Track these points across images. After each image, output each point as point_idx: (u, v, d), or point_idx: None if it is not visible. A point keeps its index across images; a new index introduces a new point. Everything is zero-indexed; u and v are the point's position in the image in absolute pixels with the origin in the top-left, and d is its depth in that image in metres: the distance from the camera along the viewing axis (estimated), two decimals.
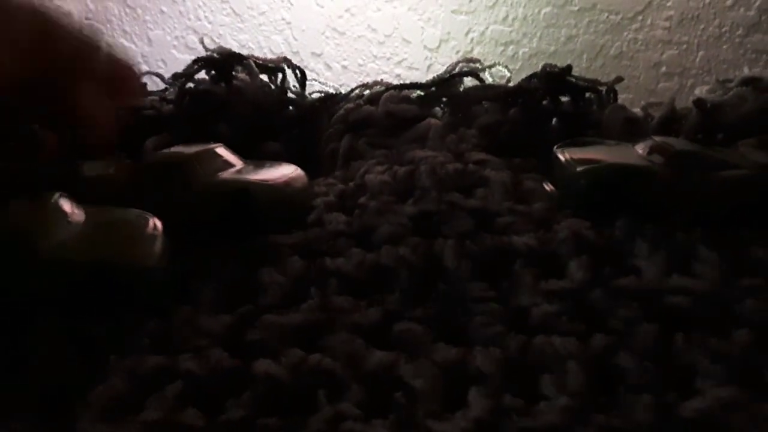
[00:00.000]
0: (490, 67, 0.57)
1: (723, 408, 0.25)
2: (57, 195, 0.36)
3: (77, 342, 0.31)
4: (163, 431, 0.26)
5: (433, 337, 0.32)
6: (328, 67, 1.18)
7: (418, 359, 0.29)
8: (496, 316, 0.32)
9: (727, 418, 0.25)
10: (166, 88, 0.64)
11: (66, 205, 0.37)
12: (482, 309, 0.33)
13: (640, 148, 0.42)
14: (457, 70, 0.58)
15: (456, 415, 0.26)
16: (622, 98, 0.58)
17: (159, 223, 0.37)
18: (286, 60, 0.63)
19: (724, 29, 0.93)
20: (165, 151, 0.47)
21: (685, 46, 0.95)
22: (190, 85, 0.58)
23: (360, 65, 1.16)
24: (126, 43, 1.27)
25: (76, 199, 0.38)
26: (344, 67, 1.18)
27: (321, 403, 0.27)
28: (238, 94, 0.58)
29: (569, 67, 0.56)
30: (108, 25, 1.26)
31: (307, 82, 0.64)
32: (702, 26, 0.94)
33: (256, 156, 0.49)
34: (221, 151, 0.46)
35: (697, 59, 0.94)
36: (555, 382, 0.28)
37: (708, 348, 0.29)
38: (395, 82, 0.58)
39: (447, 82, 0.56)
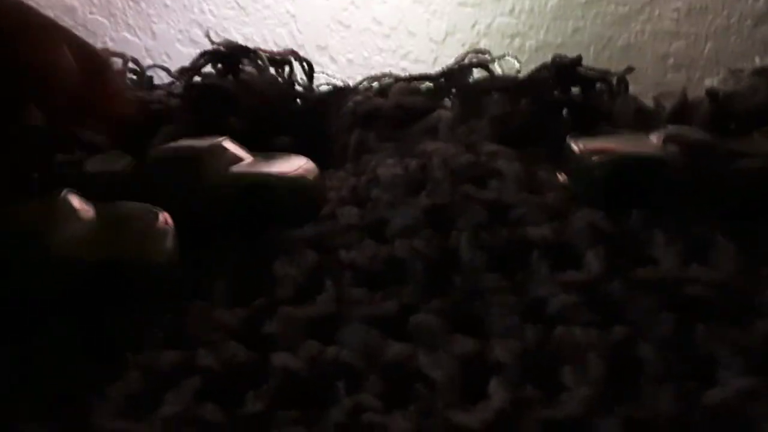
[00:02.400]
0: (499, 58, 0.57)
1: (743, 398, 0.25)
2: (65, 191, 0.36)
3: (91, 339, 0.31)
4: (182, 426, 0.26)
5: (450, 328, 0.31)
6: (333, 60, 1.17)
7: (436, 351, 0.29)
8: (512, 307, 0.32)
9: (747, 407, 0.25)
10: (172, 82, 0.64)
11: (75, 201, 0.37)
12: (499, 300, 0.33)
13: (655, 138, 0.41)
14: (466, 61, 0.57)
15: (477, 406, 0.26)
16: (630, 90, 0.58)
17: (169, 218, 0.37)
18: (293, 53, 0.62)
19: (732, 20, 0.92)
20: (173, 144, 0.47)
21: (693, 37, 0.95)
22: (197, 78, 0.58)
23: (365, 58, 1.15)
24: (130, 37, 1.26)
25: (85, 195, 0.38)
26: (349, 60, 1.17)
27: (340, 395, 0.27)
28: (245, 88, 0.57)
29: (579, 58, 0.55)
30: (112, 19, 1.25)
31: (314, 75, 0.64)
32: (710, 17, 0.94)
33: (264, 149, 0.48)
34: (228, 144, 0.46)
35: (706, 51, 0.94)
36: (575, 373, 0.27)
37: (728, 338, 0.29)
38: (401, 74, 0.57)
39: (456, 73, 0.56)
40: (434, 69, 0.61)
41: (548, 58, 0.57)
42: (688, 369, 0.28)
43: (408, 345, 0.30)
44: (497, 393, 0.27)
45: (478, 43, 0.99)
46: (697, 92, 0.54)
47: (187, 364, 0.29)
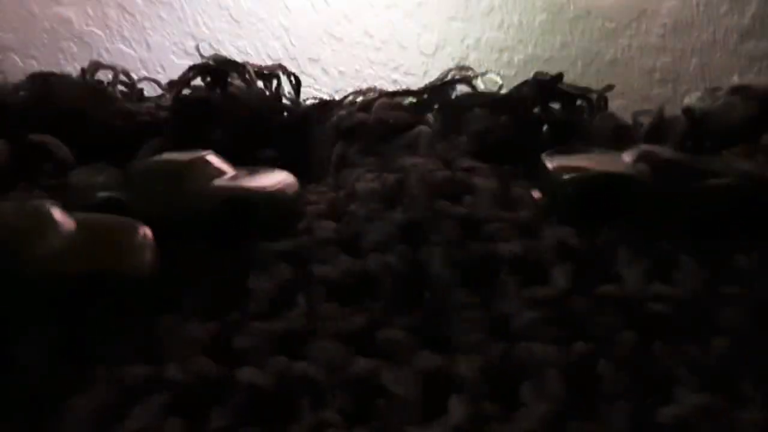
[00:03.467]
0: (482, 74, 0.58)
1: (699, 415, 0.26)
2: (47, 202, 0.36)
3: (64, 350, 0.31)
4: None
5: (417, 344, 0.32)
6: (326, 72, 1.18)
7: (401, 367, 0.30)
8: (479, 323, 0.33)
9: (702, 424, 0.25)
10: (162, 95, 0.65)
11: (56, 213, 0.37)
12: (466, 316, 0.33)
13: (628, 157, 0.42)
14: (449, 77, 0.58)
15: (436, 422, 0.27)
16: (616, 104, 0.59)
17: (149, 232, 0.37)
18: (281, 67, 0.63)
19: (717, 36, 0.93)
20: (156, 158, 0.48)
21: (679, 52, 0.96)
22: (186, 91, 0.59)
23: (357, 71, 1.16)
24: (125, 49, 1.28)
25: (66, 206, 0.38)
26: (341, 72, 1.18)
27: (304, 411, 0.28)
28: (232, 101, 0.58)
29: (560, 75, 0.56)
30: (107, 31, 1.27)
31: (304, 88, 0.65)
32: (696, 33, 0.95)
33: (250, 162, 0.49)
34: (212, 158, 0.46)
35: (691, 66, 0.95)
36: (534, 389, 0.28)
37: (686, 356, 0.29)
38: (392, 87, 0.58)
39: (439, 89, 0.56)
40: (425, 82, 0.62)
41: (535, 71, 0.58)
42: (646, 386, 0.29)
43: (374, 360, 0.31)
44: (456, 409, 0.27)
45: (467, 56, 1.01)
46: (681, 106, 0.55)
47: (156, 378, 0.30)
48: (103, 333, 0.33)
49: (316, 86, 0.70)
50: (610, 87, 0.57)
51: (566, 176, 0.41)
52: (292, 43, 1.21)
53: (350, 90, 0.62)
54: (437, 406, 0.27)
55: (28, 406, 0.28)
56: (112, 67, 0.64)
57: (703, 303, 0.31)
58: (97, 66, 0.65)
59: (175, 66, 1.24)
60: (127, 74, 0.68)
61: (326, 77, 1.19)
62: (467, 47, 1.07)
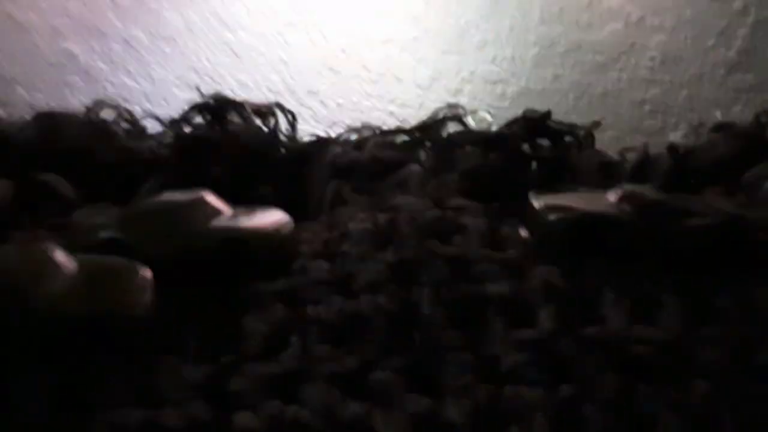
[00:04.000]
0: (473, 112, 0.60)
1: None
2: (48, 245, 0.38)
3: (63, 395, 0.32)
4: None
5: (407, 386, 0.33)
6: (324, 104, 1.21)
7: (391, 410, 0.31)
8: (467, 365, 0.34)
9: None
10: (163, 132, 0.67)
11: (59, 255, 0.38)
12: (455, 358, 0.34)
13: (612, 196, 0.43)
14: (441, 115, 0.60)
15: None
16: (607, 136, 0.60)
17: (149, 273, 0.38)
18: (277, 104, 0.65)
19: (705, 69, 0.96)
20: (155, 198, 0.49)
21: (668, 85, 0.98)
22: (187, 129, 0.60)
23: (354, 102, 1.19)
24: (129, 82, 1.31)
25: (68, 246, 0.39)
26: (339, 104, 1.21)
27: None
28: (231, 139, 0.60)
29: (548, 112, 0.58)
30: (111, 65, 1.30)
31: (303, 119, 0.67)
32: (684, 66, 0.97)
33: (247, 199, 0.50)
34: (209, 197, 0.48)
35: (680, 98, 0.97)
36: None
37: (668, 398, 0.30)
38: (388, 119, 0.60)
39: (430, 127, 0.58)
40: (420, 113, 0.63)
41: (529, 104, 0.60)
42: (630, 429, 0.29)
43: (365, 404, 0.32)
44: None
45: (462, 89, 1.03)
46: (672, 138, 0.56)
47: (153, 423, 0.31)
48: (102, 376, 0.34)
49: (315, 118, 0.71)
50: (597, 123, 0.59)
51: (552, 216, 0.42)
52: (291, 77, 1.24)
53: (348, 122, 0.64)
54: None
55: None
56: (115, 106, 0.65)
57: (684, 344, 0.32)
58: (101, 104, 0.66)
59: (178, 99, 1.26)
60: (129, 112, 0.70)
61: (324, 109, 1.21)
62: (461, 80, 1.09)
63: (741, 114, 0.55)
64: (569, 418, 0.30)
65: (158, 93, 1.34)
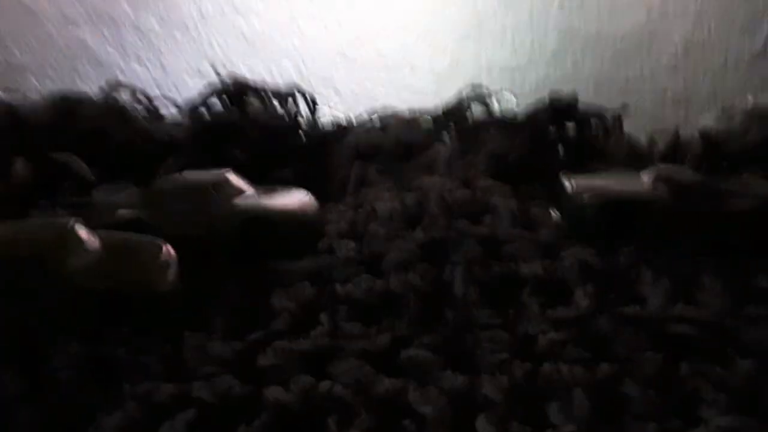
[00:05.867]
0: (497, 94, 0.59)
1: None
2: (73, 221, 0.37)
3: (94, 368, 0.32)
4: None
5: (441, 363, 0.32)
6: (338, 92, 1.20)
7: (427, 386, 0.30)
8: (503, 343, 0.33)
9: None
10: (180, 115, 0.66)
11: (82, 231, 0.38)
12: (489, 336, 0.33)
13: (646, 177, 0.42)
14: (465, 99, 0.59)
15: None
16: (627, 125, 0.59)
17: (172, 250, 0.38)
18: (297, 87, 0.64)
19: (729, 58, 0.94)
20: (177, 177, 0.48)
21: (690, 74, 0.97)
22: (204, 111, 0.60)
23: (369, 90, 1.18)
24: (140, 70, 1.30)
25: (88, 224, 0.39)
26: (353, 92, 1.20)
27: (331, 429, 0.28)
28: (251, 122, 0.59)
29: (575, 96, 0.57)
30: (122, 52, 1.29)
31: (319, 108, 0.66)
32: (707, 55, 0.96)
33: (267, 181, 0.50)
34: (232, 177, 0.47)
35: (703, 88, 0.96)
36: (562, 410, 0.28)
37: (712, 377, 0.29)
38: (403, 107, 0.59)
39: (456, 109, 0.57)
40: (436, 102, 0.62)
41: (547, 92, 0.59)
42: (672, 407, 0.29)
43: (399, 380, 0.31)
44: (485, 429, 0.27)
45: (479, 77, 1.02)
46: (694, 127, 0.55)
47: (183, 396, 0.30)
48: (130, 351, 0.33)
49: (329, 106, 0.71)
50: (624, 107, 0.58)
51: (587, 197, 0.41)
52: (304, 64, 1.23)
53: (362, 110, 0.63)
54: (465, 427, 0.27)
55: (57, 423, 0.28)
56: (130, 87, 0.65)
57: (727, 324, 0.31)
58: (116, 85, 0.66)
59: (189, 86, 1.25)
60: (145, 94, 0.69)
61: (338, 97, 1.20)
62: (479, 68, 1.08)
63: (766, 104, 0.53)
64: (610, 396, 0.29)
65: (169, 80, 1.33)
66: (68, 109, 0.62)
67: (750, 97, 0.60)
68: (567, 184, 0.40)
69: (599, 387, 0.28)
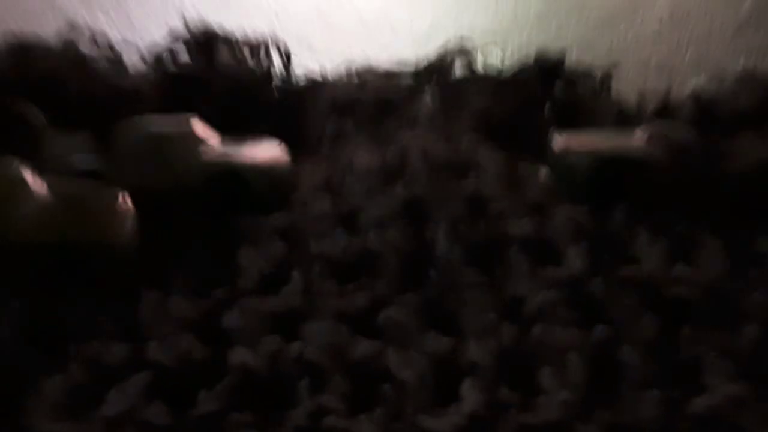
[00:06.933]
0: (483, 49, 0.55)
1: (732, 405, 0.23)
2: (16, 163, 0.33)
3: (36, 327, 0.28)
4: (125, 428, 0.23)
5: (423, 325, 0.29)
6: (315, 53, 1.15)
7: (407, 349, 0.27)
8: (489, 304, 0.30)
9: (736, 415, 0.23)
10: (146, 67, 0.61)
11: (29, 178, 0.34)
12: (475, 297, 0.31)
13: (638, 137, 0.40)
14: (448, 57, 0.56)
15: (448, 409, 0.24)
16: (612, 91, 0.57)
17: (128, 199, 0.34)
18: (271, 39, 0.60)
19: (713, 27, 0.92)
20: (138, 125, 0.44)
21: (675, 42, 0.95)
22: (171, 64, 0.55)
23: (347, 53, 1.13)
24: (107, 25, 1.22)
25: (40, 172, 0.35)
26: (330, 54, 1.15)
27: (302, 395, 0.25)
28: (220, 75, 0.55)
29: (563, 56, 0.54)
30: (88, 7, 1.21)
31: (294, 69, 0.62)
32: (692, 24, 0.94)
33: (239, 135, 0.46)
34: (197, 125, 0.43)
35: (687, 56, 0.94)
36: (555, 375, 0.25)
37: (714, 342, 0.27)
38: (382, 67, 0.55)
39: (438, 67, 0.54)
40: (415, 66, 0.59)
41: (530, 58, 0.56)
42: (673, 373, 0.26)
43: (377, 342, 0.28)
44: (470, 395, 0.25)
45: (460, 42, 0.98)
46: (678, 96, 0.53)
47: (137, 358, 0.27)
48: (80, 308, 0.30)
49: (305, 67, 0.66)
50: (614, 65, 0.55)
51: (578, 156, 0.38)
52: (281, 23, 1.18)
53: (339, 71, 0.59)
54: (449, 392, 0.24)
55: None
56: (91, 31, 0.60)
57: (727, 287, 0.29)
58: (76, 32, 0.61)
59: (159, 44, 1.18)
60: (110, 47, 0.64)
61: (315, 59, 1.15)
62: (461, 31, 1.04)
63: (754, 71, 0.52)
64: (607, 361, 0.26)
65: (137, 36, 1.26)
66: (24, 56, 0.57)
67: (741, 60, 0.58)
68: (558, 142, 0.38)
69: (594, 351, 0.26)
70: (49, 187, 0.37)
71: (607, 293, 0.34)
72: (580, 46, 0.96)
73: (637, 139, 0.46)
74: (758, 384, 0.30)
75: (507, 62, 0.59)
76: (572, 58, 0.86)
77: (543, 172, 0.47)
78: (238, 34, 0.76)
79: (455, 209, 0.41)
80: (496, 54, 0.61)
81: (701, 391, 0.30)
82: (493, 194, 0.43)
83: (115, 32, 1.17)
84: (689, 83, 0.66)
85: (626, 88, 0.87)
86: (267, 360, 0.30)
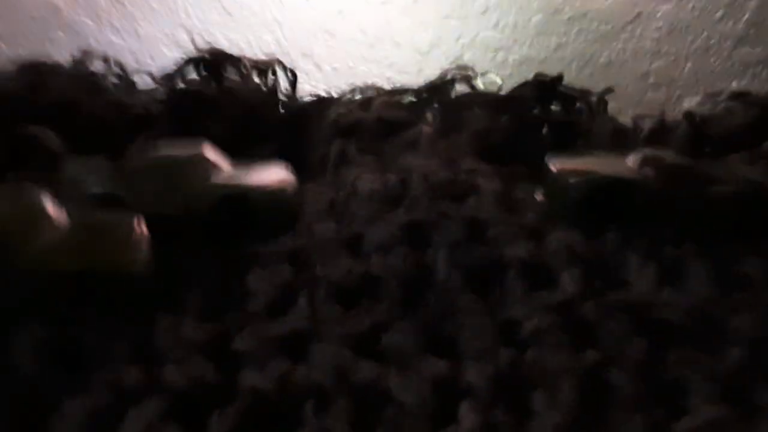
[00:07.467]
0: (482, 74, 0.57)
1: (714, 427, 0.25)
2: (36, 190, 0.35)
3: (57, 352, 0.30)
4: None
5: (423, 349, 0.31)
6: (318, 68, 1.17)
7: (407, 372, 0.29)
8: (486, 328, 0.32)
9: None
10: (156, 87, 0.63)
11: (49, 206, 0.36)
12: (472, 321, 0.32)
13: (631, 160, 0.42)
14: (449, 76, 0.57)
15: (446, 430, 0.26)
16: (609, 107, 0.58)
17: (144, 226, 0.36)
18: (278, 61, 0.62)
19: (712, 41, 0.94)
20: (152, 152, 0.46)
21: (673, 57, 0.96)
22: (181, 84, 0.57)
23: (350, 67, 1.15)
24: (114, 39, 1.25)
25: (58, 199, 0.37)
26: (334, 68, 1.17)
27: (307, 417, 0.27)
28: (229, 95, 0.57)
29: (560, 76, 0.56)
30: (96, 20, 1.24)
31: (298, 84, 0.64)
32: (690, 38, 0.95)
33: (245, 156, 0.48)
34: (208, 150, 0.45)
35: (685, 71, 0.95)
36: (546, 398, 0.27)
37: (699, 365, 0.29)
38: (385, 84, 0.57)
39: (439, 87, 0.56)
40: (418, 80, 0.61)
41: (531, 72, 0.58)
42: (659, 395, 0.28)
43: (379, 365, 0.30)
44: (467, 417, 0.26)
45: (462, 55, 1.00)
46: (676, 111, 0.54)
47: (153, 381, 0.29)
48: (98, 333, 0.31)
49: (309, 82, 0.68)
50: (609, 90, 0.57)
51: (572, 180, 0.40)
52: (284, 38, 1.20)
53: (343, 86, 0.61)
54: (446, 414, 0.26)
55: (18, 411, 0.27)
56: (104, 57, 0.62)
57: (714, 310, 0.31)
58: (88, 55, 0.63)
59: (166, 57, 1.20)
60: (120, 65, 0.66)
61: (319, 73, 1.17)
62: (462, 46, 1.06)
63: (748, 88, 0.53)
64: (596, 384, 0.28)
65: (145, 51, 1.28)
66: (38, 79, 0.59)
67: (734, 83, 0.59)
68: (551, 165, 0.39)
69: (585, 374, 0.27)
70: (68, 214, 0.37)
71: (598, 317, 0.34)
72: (579, 61, 0.97)
73: (630, 162, 0.46)
74: (740, 406, 0.31)
75: (505, 81, 0.60)
76: (571, 74, 0.87)
77: (538, 195, 0.47)
78: (245, 50, 0.77)
79: (454, 234, 0.41)
80: (493, 80, 0.61)
81: (685, 412, 0.31)
82: (491, 219, 0.43)
83: (123, 47, 1.19)
84: (686, 100, 0.66)
85: (625, 102, 0.88)
86: (275, 382, 0.30)
